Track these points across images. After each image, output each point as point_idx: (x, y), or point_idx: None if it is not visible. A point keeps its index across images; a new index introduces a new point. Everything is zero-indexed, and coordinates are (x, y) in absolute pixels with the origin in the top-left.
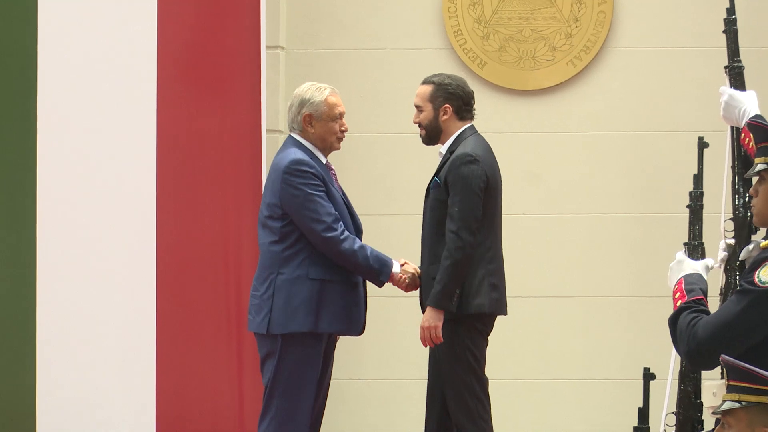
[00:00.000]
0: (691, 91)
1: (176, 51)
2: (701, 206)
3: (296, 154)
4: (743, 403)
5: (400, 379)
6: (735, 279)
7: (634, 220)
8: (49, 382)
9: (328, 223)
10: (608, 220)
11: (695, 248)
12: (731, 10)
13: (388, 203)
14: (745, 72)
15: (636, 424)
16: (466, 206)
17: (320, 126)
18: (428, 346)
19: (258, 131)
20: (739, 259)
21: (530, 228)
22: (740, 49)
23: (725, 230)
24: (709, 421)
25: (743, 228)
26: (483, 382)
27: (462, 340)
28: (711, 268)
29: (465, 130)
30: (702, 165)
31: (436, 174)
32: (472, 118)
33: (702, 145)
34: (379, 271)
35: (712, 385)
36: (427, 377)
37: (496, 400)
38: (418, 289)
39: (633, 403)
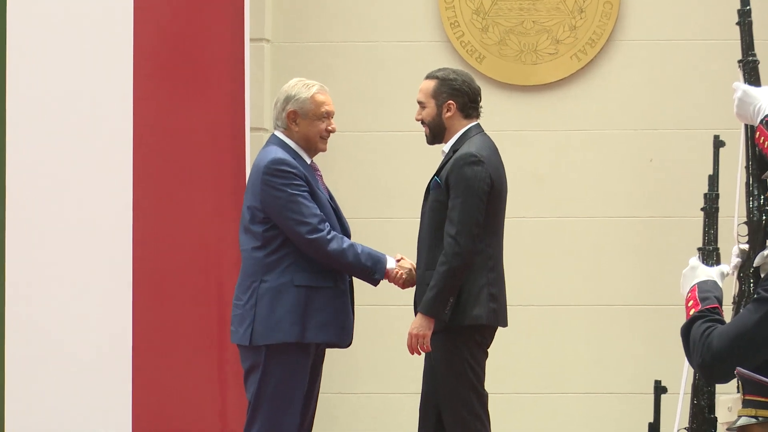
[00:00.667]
0: (702, 86)
1: (153, 43)
2: (717, 209)
3: (277, 153)
4: (760, 418)
5: (394, 393)
6: (749, 287)
7: (643, 224)
8: (16, 401)
9: (313, 224)
10: (615, 223)
11: (710, 254)
12: (746, 1)
13: (383, 206)
14: (761, 66)
15: None
16: (467, 210)
17: (305, 124)
18: (414, 355)
19: (241, 130)
20: (754, 265)
21: (532, 232)
22: (755, 42)
23: (739, 234)
24: None
25: (758, 232)
26: (482, 398)
27: (460, 353)
28: (726, 275)
29: (470, 128)
30: (718, 165)
31: (437, 173)
32: (478, 116)
33: (718, 144)
34: (373, 268)
35: (728, 400)
36: (421, 390)
37: (496, 416)
38: (414, 297)
39: (643, 418)
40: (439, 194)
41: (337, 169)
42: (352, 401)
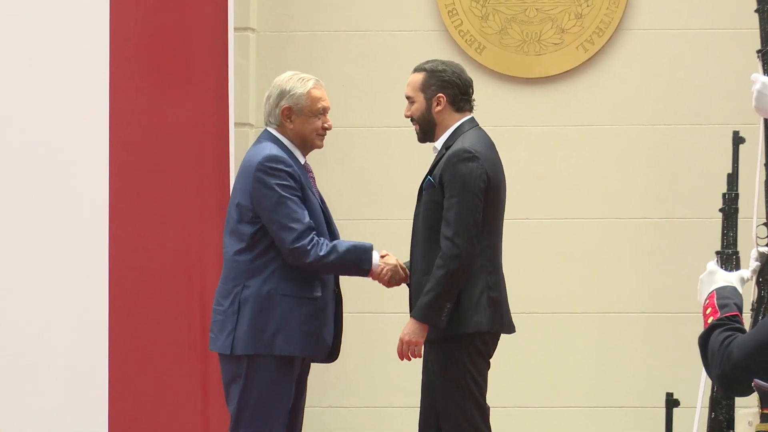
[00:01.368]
0: (719, 78)
1: (131, 33)
2: (736, 210)
3: (272, 149)
4: None
5: (388, 407)
6: None
7: (655, 226)
8: None
9: (298, 231)
10: (625, 225)
11: (729, 257)
12: None
13: (376, 207)
14: None
15: None
16: (463, 209)
17: (300, 121)
18: (407, 363)
19: (225, 125)
20: None
21: (534, 235)
22: None
23: (758, 237)
24: None
25: None
26: (484, 411)
27: (460, 362)
28: (747, 281)
29: (463, 123)
30: (737, 163)
31: (430, 172)
32: (471, 109)
33: (737, 140)
34: (359, 259)
35: (748, 414)
36: (419, 405)
37: (498, 431)
38: (409, 304)
39: None
40: (433, 194)
41: (326, 168)
42: (343, 415)
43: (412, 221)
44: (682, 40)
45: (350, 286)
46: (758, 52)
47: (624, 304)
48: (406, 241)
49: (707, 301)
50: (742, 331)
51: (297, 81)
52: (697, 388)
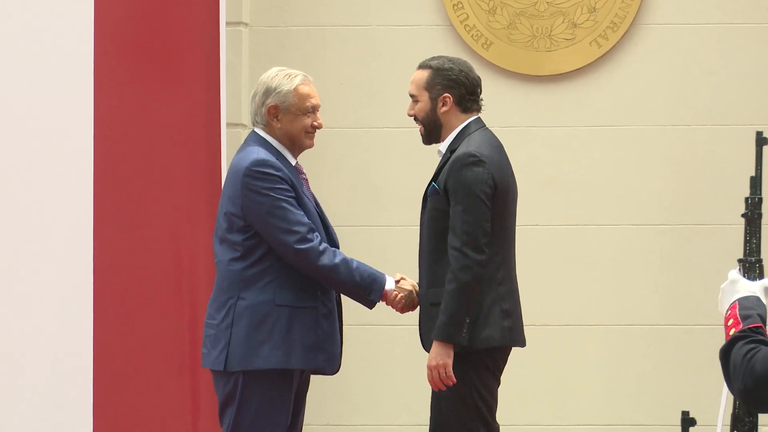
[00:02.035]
0: (741, 76)
1: (116, 27)
2: (760, 215)
3: (259, 153)
4: None
5: (390, 424)
6: None
7: (673, 233)
8: None
9: (302, 233)
10: (640, 232)
11: (752, 266)
12: None
13: (376, 213)
14: None
15: None
16: (470, 217)
17: (288, 120)
18: (437, 390)
19: (216, 125)
20: None
21: (544, 242)
22: None
23: None
24: None
25: None
26: (493, 430)
27: (467, 379)
28: None
29: (470, 123)
30: (761, 165)
31: (434, 178)
32: (478, 109)
33: (761, 141)
34: (369, 288)
35: None
36: (429, 422)
37: None
38: (418, 318)
39: None
40: (438, 201)
41: (323, 171)
42: None
43: (414, 228)
44: (702, 35)
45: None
46: None
47: (639, 316)
48: (407, 249)
49: (729, 312)
50: (766, 343)
51: (283, 77)
52: (715, 406)
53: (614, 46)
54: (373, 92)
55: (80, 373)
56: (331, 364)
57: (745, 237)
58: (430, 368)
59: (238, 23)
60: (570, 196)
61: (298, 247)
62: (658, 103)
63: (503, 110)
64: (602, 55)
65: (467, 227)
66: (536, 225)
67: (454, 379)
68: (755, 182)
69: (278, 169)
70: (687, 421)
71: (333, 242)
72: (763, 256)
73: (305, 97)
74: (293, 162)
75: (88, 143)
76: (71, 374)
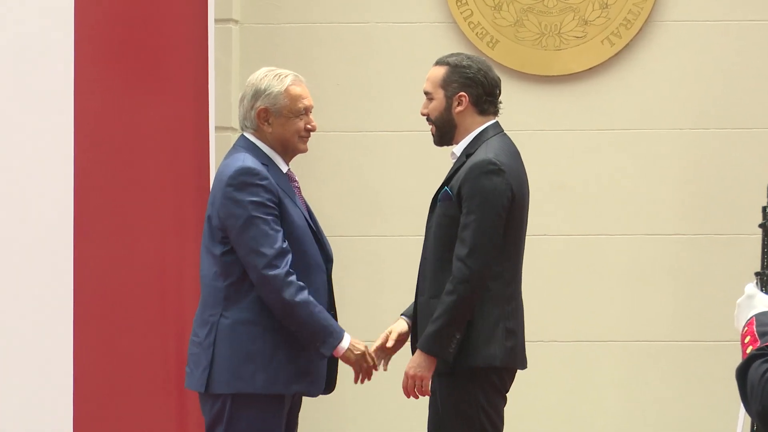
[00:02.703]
0: (761, 76)
1: (98, 25)
2: None
3: (245, 161)
4: None
5: None
6: None
7: (689, 243)
8: None
9: (269, 257)
10: (654, 242)
11: None
12: None
13: (374, 222)
14: None
15: None
16: (482, 229)
17: (279, 124)
18: (410, 398)
19: (204, 129)
20: None
21: (553, 253)
22: None
23: None
24: None
25: None
26: None
27: (473, 397)
28: None
29: (487, 128)
30: None
31: (447, 182)
32: (496, 113)
33: None
34: (323, 337)
35: None
36: None
37: None
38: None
39: None
40: (449, 208)
41: (317, 177)
42: None
43: (414, 238)
44: (721, 32)
45: (346, 309)
46: None
47: (653, 332)
48: (407, 260)
49: (746, 328)
50: None
51: (273, 78)
52: (732, 426)
53: (628, 44)
54: (371, 93)
55: (60, 392)
56: (317, 387)
57: (763, 248)
58: (407, 375)
59: (228, 20)
60: (580, 204)
61: (264, 272)
62: (674, 105)
63: (509, 112)
64: (615, 54)
65: (477, 239)
66: (544, 235)
67: (429, 393)
68: None
69: (263, 179)
70: None
71: (326, 254)
72: None
73: (297, 99)
74: (285, 169)
75: (67, 149)
76: (50, 395)
